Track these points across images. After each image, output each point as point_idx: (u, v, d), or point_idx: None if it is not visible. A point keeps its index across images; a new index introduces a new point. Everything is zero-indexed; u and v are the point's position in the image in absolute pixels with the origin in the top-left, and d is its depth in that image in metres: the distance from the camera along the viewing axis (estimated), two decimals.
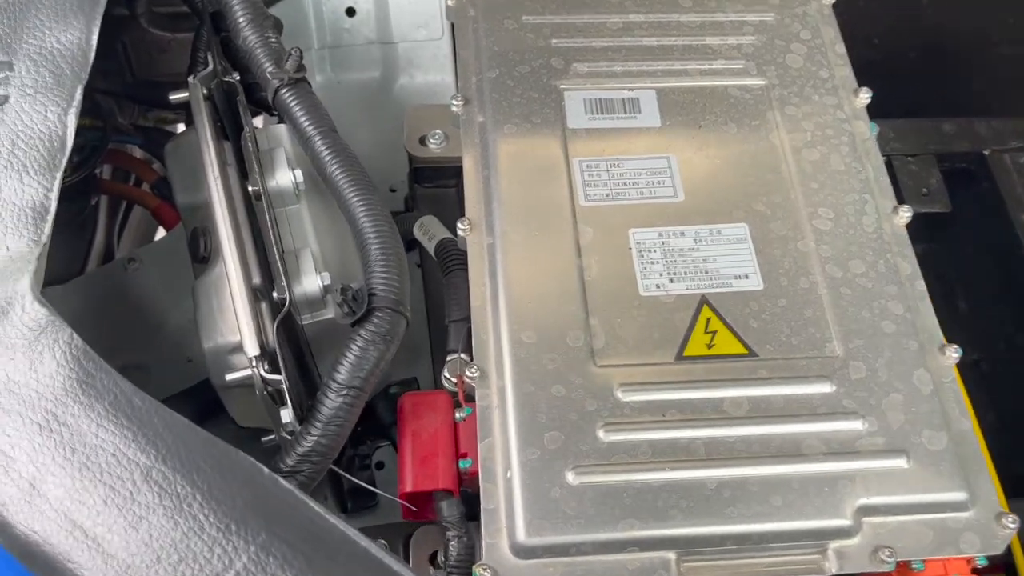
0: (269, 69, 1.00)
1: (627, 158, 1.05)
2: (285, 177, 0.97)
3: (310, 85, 1.03)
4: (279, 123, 1.05)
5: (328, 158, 0.96)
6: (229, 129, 1.07)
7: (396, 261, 0.90)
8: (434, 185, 1.16)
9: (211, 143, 0.97)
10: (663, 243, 0.99)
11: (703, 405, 0.89)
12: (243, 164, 1.00)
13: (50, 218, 0.74)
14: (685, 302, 0.95)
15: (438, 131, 1.13)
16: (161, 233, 1.48)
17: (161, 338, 1.23)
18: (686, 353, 0.92)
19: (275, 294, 0.89)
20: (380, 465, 1.16)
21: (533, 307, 0.94)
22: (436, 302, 1.17)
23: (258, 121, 1.32)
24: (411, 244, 1.13)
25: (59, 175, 0.77)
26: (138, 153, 1.45)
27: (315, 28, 1.45)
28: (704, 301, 0.95)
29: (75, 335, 0.69)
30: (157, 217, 1.37)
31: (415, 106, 1.28)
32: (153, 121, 1.50)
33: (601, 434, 0.87)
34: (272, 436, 0.95)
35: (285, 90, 0.99)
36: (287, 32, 1.13)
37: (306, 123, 0.98)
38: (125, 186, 1.42)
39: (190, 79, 1.03)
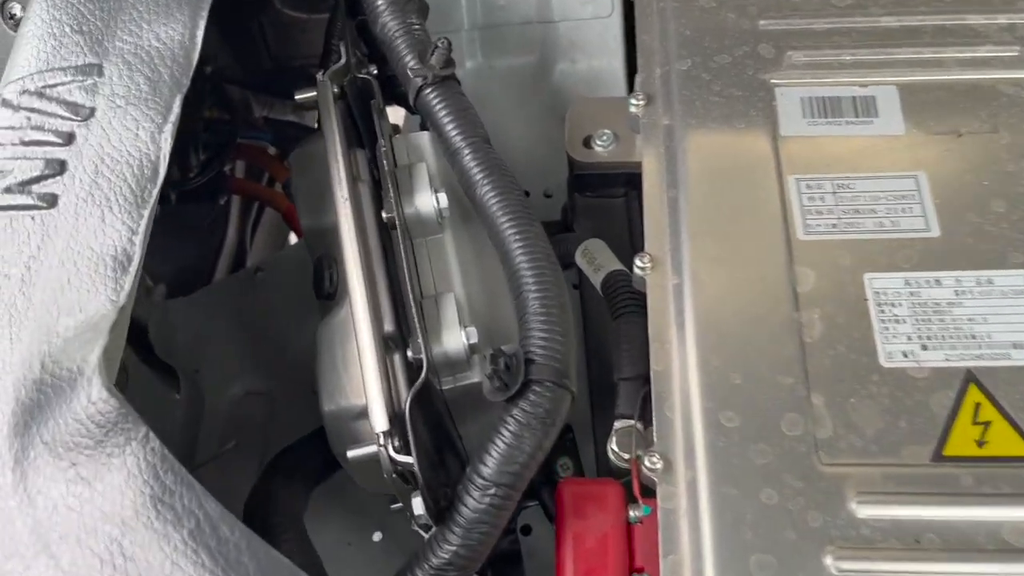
0: (411, 64, 0.82)
1: (860, 176, 0.81)
2: (426, 202, 0.79)
3: (459, 83, 0.85)
4: (422, 129, 0.87)
5: (479, 177, 0.77)
6: (365, 134, 0.90)
7: (560, 317, 0.70)
8: (598, 195, 0.99)
9: (340, 155, 0.80)
10: (911, 294, 0.75)
11: (972, 530, 0.65)
12: (380, 179, 0.83)
13: (134, 269, 0.59)
14: (944, 379, 0.71)
15: (606, 131, 0.95)
16: (293, 238, 1.35)
17: (286, 361, 1.09)
18: (947, 452, 0.68)
19: (410, 352, 0.71)
20: (527, 530, 0.97)
21: (735, 377, 0.72)
22: (597, 337, 0.97)
23: (398, 116, 1.15)
24: (568, 266, 0.93)
25: (148, 213, 0.61)
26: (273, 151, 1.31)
27: (466, 6, 1.26)
28: (971, 378, 0.71)
29: (152, 436, 0.53)
30: (288, 221, 1.23)
31: (579, 99, 1.08)
32: (288, 114, 1.35)
33: (829, 562, 0.65)
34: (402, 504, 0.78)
35: (429, 90, 0.81)
36: (434, 8, 0.94)
37: (453, 132, 0.80)
38: (256, 186, 1.29)
39: (319, 75, 0.86)
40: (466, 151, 0.79)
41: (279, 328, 1.10)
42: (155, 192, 0.61)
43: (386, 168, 0.78)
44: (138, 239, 0.58)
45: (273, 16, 1.26)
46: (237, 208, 1.38)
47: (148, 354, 1.08)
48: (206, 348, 1.12)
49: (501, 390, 0.66)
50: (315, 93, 0.85)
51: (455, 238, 0.80)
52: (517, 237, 0.74)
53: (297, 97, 0.86)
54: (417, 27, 0.85)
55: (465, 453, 0.83)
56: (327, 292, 0.81)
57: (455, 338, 0.72)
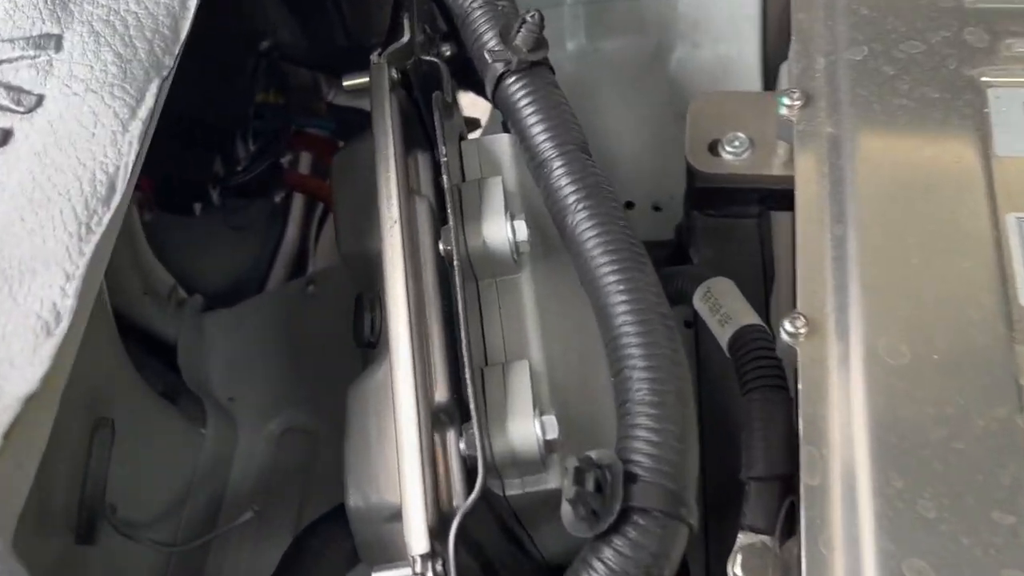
0: (489, 45, 0.62)
1: None
2: (499, 231, 0.59)
3: (552, 71, 0.64)
4: (504, 130, 0.67)
5: (572, 200, 0.57)
6: (432, 133, 0.71)
7: (677, 412, 0.49)
8: (723, 214, 0.82)
9: (393, 161, 0.61)
10: None
11: None
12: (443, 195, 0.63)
13: (61, 332, 0.40)
14: None
15: (739, 135, 0.76)
16: None
17: (335, 394, 0.91)
18: None
19: (463, 445, 0.51)
20: None
21: (928, 509, 0.50)
22: (715, 402, 0.76)
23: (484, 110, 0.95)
24: (677, 300, 0.72)
25: (91, 250, 0.42)
26: None
27: None
28: None
29: None
30: None
31: (705, 94, 0.87)
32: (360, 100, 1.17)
33: None
34: None
35: (512, 80, 0.61)
36: None
37: (540, 137, 0.60)
38: (316, 182, 1.11)
39: (373, 56, 0.67)
40: (556, 163, 0.59)
41: (329, 354, 0.92)
42: (107, 219, 0.43)
43: (447, 184, 0.58)
44: (72, 288, 0.40)
45: None
46: (301, 205, 1.20)
47: (171, 376, 0.92)
48: (243, 373, 0.96)
49: (588, 521, 0.45)
50: (367, 79, 0.66)
51: (535, 282, 0.59)
52: (621, 288, 0.53)
53: (345, 83, 0.67)
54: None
55: (540, 554, 0.63)
56: (367, 340, 0.62)
57: (526, 430, 0.52)
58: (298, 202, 1.19)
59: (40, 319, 0.40)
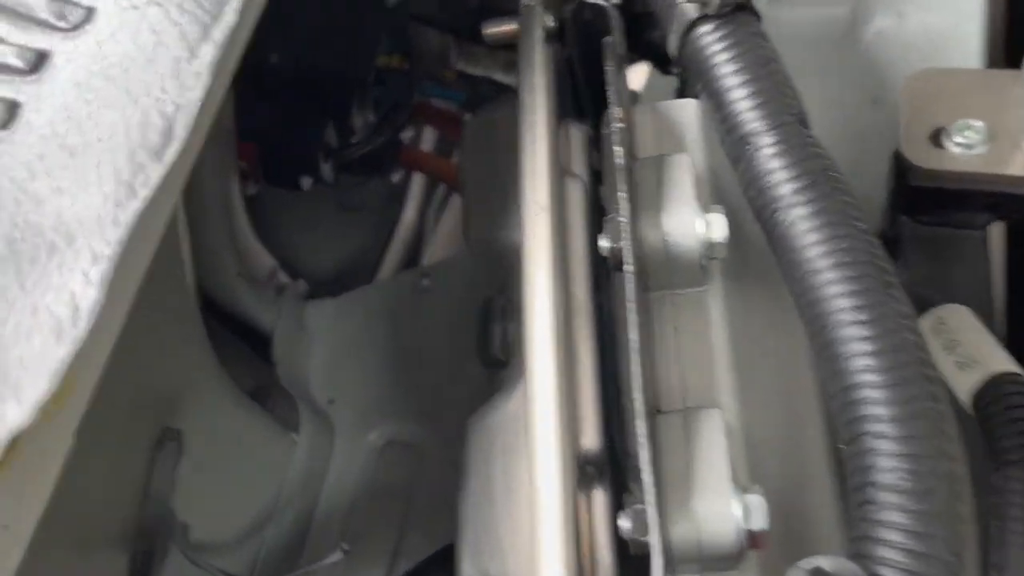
0: None
1: None
2: (685, 228, 0.43)
3: (759, 18, 0.48)
4: (684, 95, 0.52)
5: (786, 189, 0.42)
6: (590, 99, 0.57)
7: (947, 502, 0.33)
8: (942, 221, 0.67)
9: (542, 130, 0.47)
10: None
11: None
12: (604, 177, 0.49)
13: (73, 340, 0.28)
14: None
15: (973, 123, 0.63)
16: None
17: (444, 406, 0.78)
18: None
19: (626, 523, 0.37)
20: None
21: None
22: None
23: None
24: None
25: (130, 220, 0.30)
26: None
27: None
28: None
29: None
30: None
31: (924, 71, 0.70)
32: (496, 70, 1.03)
33: None
34: None
35: (709, 28, 0.46)
36: None
37: (744, 103, 0.45)
38: (440, 161, 0.98)
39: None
40: (766, 139, 0.43)
41: (443, 360, 0.79)
42: (156, 177, 0.30)
43: (616, 163, 0.43)
44: (98, 275, 0.28)
45: None
46: (420, 187, 1.07)
47: (264, 372, 0.82)
48: (346, 373, 0.84)
49: None
50: (514, 26, 0.52)
51: (727, 300, 0.44)
52: (862, 319, 0.38)
53: (487, 30, 0.53)
54: None
55: None
56: (495, 358, 0.48)
57: (721, 511, 0.36)
58: (418, 183, 1.05)
59: (52, 316, 0.27)
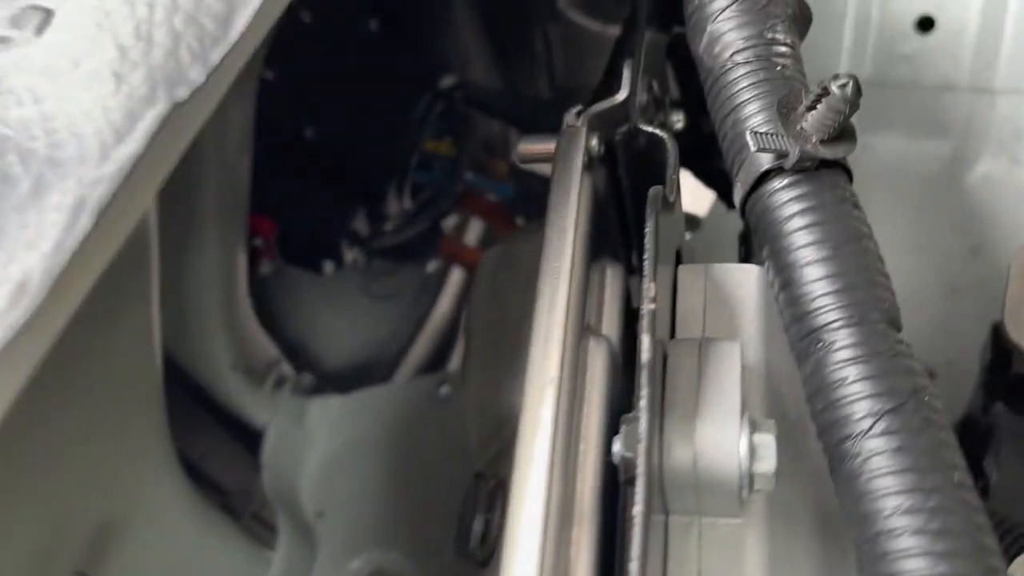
0: (756, 122, 0.38)
1: None
2: (726, 447, 0.33)
3: (851, 179, 0.39)
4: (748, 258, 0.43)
5: (865, 417, 0.32)
6: (636, 228, 0.48)
7: None
8: None
9: (564, 284, 0.38)
10: None
11: None
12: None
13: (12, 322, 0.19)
14: None
15: None
16: None
17: (437, 541, 0.68)
18: None
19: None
20: None
21: None
22: None
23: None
24: None
25: (124, 160, 0.21)
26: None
27: (850, 44, 0.80)
28: None
29: None
30: None
31: None
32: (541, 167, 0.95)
33: None
34: None
35: (785, 184, 0.37)
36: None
37: (819, 287, 0.35)
38: (480, 253, 0.90)
39: (569, 115, 0.44)
40: (845, 339, 0.34)
41: (445, 486, 0.70)
42: (179, 95, 0.22)
43: (643, 357, 0.33)
44: (70, 238, 0.19)
45: (562, 26, 0.88)
46: (459, 281, 0.99)
47: (246, 474, 0.73)
48: (342, 483, 0.75)
49: None
50: (550, 145, 0.43)
51: (774, 540, 0.34)
52: None
53: (522, 147, 0.45)
54: (783, 50, 0.41)
55: None
56: (472, 553, 0.39)
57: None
58: (456, 275, 0.97)
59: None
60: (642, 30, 0.47)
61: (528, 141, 0.45)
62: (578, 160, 0.43)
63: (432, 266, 0.91)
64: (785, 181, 0.37)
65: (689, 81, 0.59)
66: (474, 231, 0.92)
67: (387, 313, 0.91)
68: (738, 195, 0.39)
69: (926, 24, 0.78)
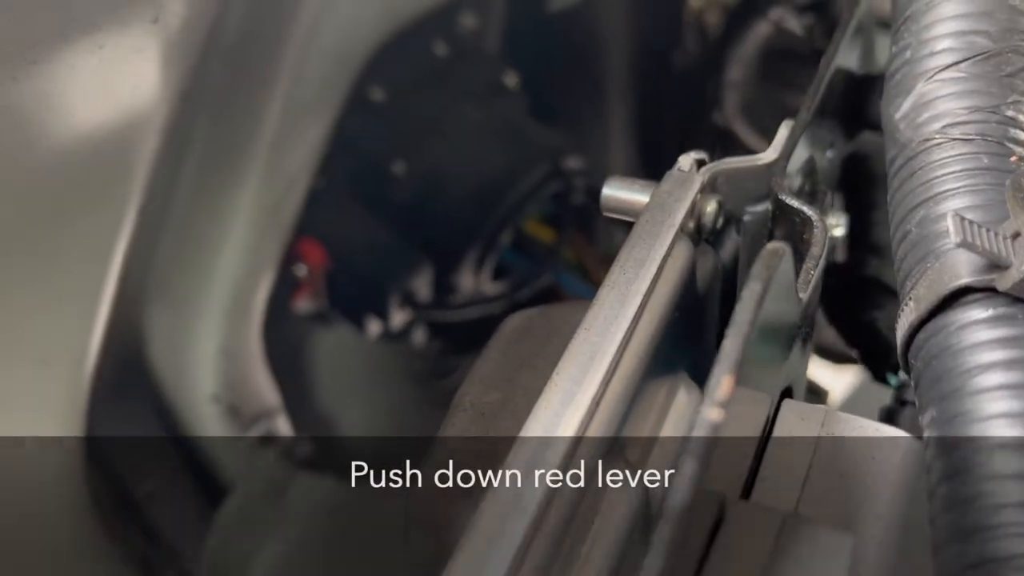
0: (953, 230, 0.23)
1: None
2: None
3: None
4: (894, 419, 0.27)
5: None
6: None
7: None
8: None
9: (599, 389, 0.24)
10: None
11: None
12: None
13: None
14: None
15: None
16: None
17: None
18: None
19: None
20: None
21: None
22: None
23: None
24: None
25: None
26: None
27: None
28: None
29: None
30: None
31: None
32: None
33: None
34: None
35: (986, 314, 0.21)
36: None
37: (1014, 501, 0.19)
38: None
39: (681, 159, 0.31)
40: None
41: None
42: None
43: (680, 485, 0.19)
44: None
45: (717, 136, 0.77)
46: None
47: (181, 537, 0.60)
48: None
49: None
50: (644, 196, 0.30)
51: None
52: None
53: (607, 191, 0.32)
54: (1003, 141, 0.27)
55: None
56: None
57: None
58: None
59: None
60: (820, 91, 0.34)
61: (619, 185, 0.32)
62: (677, 216, 0.29)
63: None
64: (990, 312, 0.23)
65: (857, 205, 0.45)
66: None
67: (428, 404, 0.77)
68: (905, 326, 0.25)
69: None
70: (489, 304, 0.68)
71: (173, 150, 0.49)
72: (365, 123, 0.65)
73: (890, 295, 0.45)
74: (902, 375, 0.39)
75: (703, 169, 0.31)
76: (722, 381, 0.19)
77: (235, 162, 0.52)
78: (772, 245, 0.24)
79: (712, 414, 0.19)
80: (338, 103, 0.55)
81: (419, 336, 0.72)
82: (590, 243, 0.76)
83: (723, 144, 0.87)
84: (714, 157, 0.85)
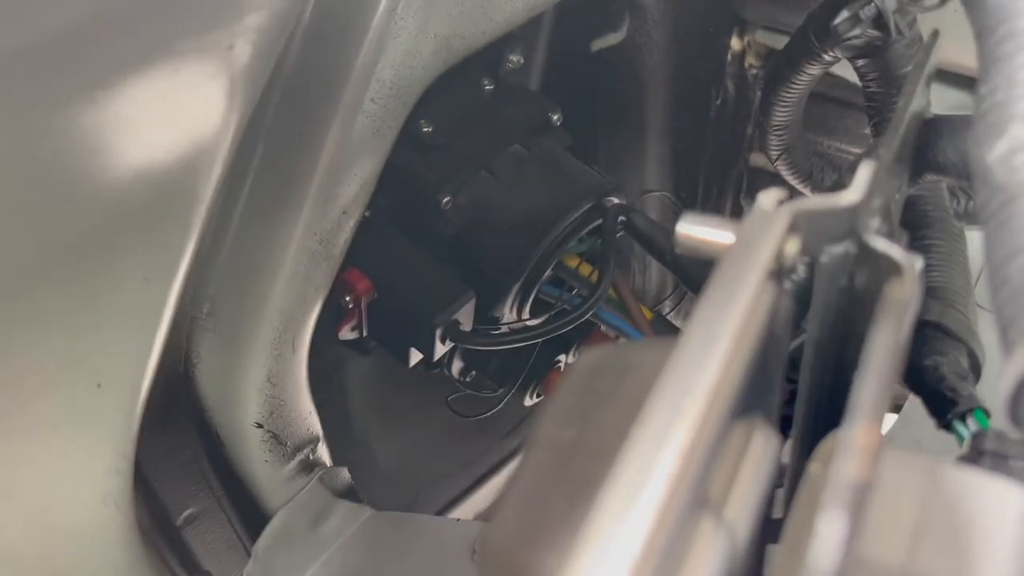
0: None
1: None
2: None
3: None
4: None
5: None
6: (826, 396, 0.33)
7: None
8: None
9: (692, 432, 0.23)
10: None
11: None
12: None
13: None
14: None
15: None
16: None
17: None
18: None
19: None
20: None
21: None
22: None
23: None
24: None
25: None
26: None
27: None
28: None
29: None
30: None
31: None
32: None
33: None
34: None
35: None
36: None
37: None
38: None
39: (761, 196, 0.31)
40: None
41: None
42: None
43: (822, 549, 0.18)
44: None
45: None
46: None
47: (222, 565, 0.59)
48: None
49: None
50: (723, 234, 0.30)
51: None
52: None
53: (681, 228, 0.32)
54: None
55: None
56: None
57: None
58: None
59: None
60: (900, 132, 0.34)
61: (695, 222, 0.32)
62: (764, 256, 0.29)
63: (533, 399, 0.77)
64: None
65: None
66: None
67: (464, 436, 0.77)
68: (1011, 376, 0.24)
69: None
70: (529, 335, 0.68)
71: (233, 178, 0.49)
72: (413, 156, 0.65)
73: (953, 341, 0.44)
74: (971, 423, 0.39)
75: (785, 208, 0.31)
76: (862, 423, 0.19)
77: (290, 193, 0.52)
78: (897, 293, 0.24)
79: (855, 470, 0.18)
80: (392, 137, 0.55)
81: (458, 366, 0.72)
82: (626, 278, 0.76)
83: (750, 184, 0.87)
84: (740, 196, 0.85)
